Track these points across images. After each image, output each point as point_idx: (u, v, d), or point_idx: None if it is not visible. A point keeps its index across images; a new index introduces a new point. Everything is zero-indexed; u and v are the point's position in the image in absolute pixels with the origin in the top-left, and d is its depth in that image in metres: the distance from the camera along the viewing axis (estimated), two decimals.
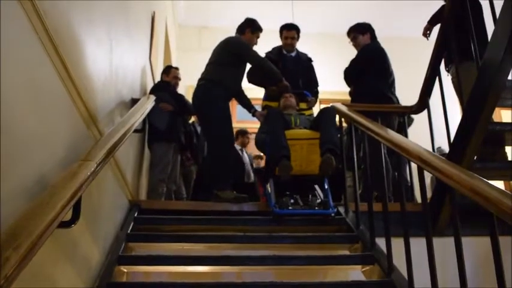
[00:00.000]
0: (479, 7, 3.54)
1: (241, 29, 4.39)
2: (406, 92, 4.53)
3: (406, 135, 3.77)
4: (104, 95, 2.71)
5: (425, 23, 4.27)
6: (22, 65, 1.48)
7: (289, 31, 4.71)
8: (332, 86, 6.05)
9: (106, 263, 2.50)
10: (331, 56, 7.40)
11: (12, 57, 1.39)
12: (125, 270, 2.62)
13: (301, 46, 6.05)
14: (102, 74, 2.65)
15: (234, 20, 7.59)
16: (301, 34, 6.70)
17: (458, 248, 1.92)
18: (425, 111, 3.79)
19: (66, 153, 1.87)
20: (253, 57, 4.18)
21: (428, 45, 3.80)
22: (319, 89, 4.84)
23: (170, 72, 4.84)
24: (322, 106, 7.72)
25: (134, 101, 3.61)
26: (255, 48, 4.33)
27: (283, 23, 6.79)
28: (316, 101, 4.56)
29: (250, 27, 4.34)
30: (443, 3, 3.95)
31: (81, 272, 2.10)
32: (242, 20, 7.65)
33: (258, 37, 4.36)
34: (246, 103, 4.29)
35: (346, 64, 4.51)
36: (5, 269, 0.94)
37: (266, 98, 4.43)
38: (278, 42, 4.88)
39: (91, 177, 1.62)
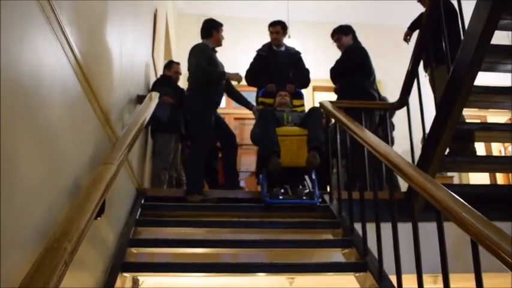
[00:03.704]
0: (456, 17, 3.87)
1: (206, 33, 4.56)
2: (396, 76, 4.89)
3: (386, 126, 4.13)
4: (115, 95, 3.05)
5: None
6: (58, 80, 1.84)
7: (275, 26, 4.97)
8: (326, 73, 6.36)
9: (119, 245, 2.88)
10: (326, 44, 7.66)
11: (50, 72, 1.74)
12: (135, 252, 3.01)
13: (296, 34, 6.35)
14: (114, 74, 2.98)
15: (231, 8, 7.90)
16: (296, 22, 7.00)
17: (415, 233, 2.29)
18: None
19: (91, 155, 2.25)
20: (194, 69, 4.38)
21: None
22: (315, 75, 5.18)
23: (172, 67, 5.18)
24: (318, 93, 8.14)
25: (140, 98, 3.93)
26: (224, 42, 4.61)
27: (279, 11, 7.13)
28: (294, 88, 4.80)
29: (215, 28, 4.54)
30: None
31: (101, 253, 2.49)
32: (239, 7, 7.95)
33: (222, 31, 4.58)
34: (242, 102, 4.65)
35: (340, 52, 4.87)
36: (64, 256, 1.31)
37: (262, 94, 4.77)
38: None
39: (113, 179, 1.98)
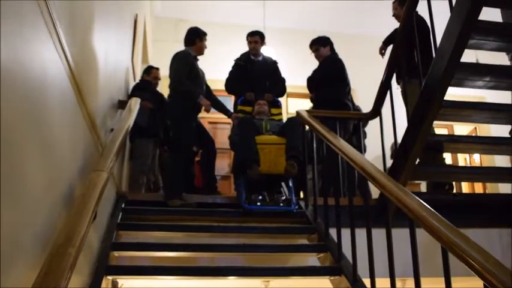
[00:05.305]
0: (428, 32, 4.06)
1: (190, 41, 4.65)
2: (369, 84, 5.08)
3: (360, 136, 4.31)
4: (100, 100, 3.12)
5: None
6: (58, 93, 1.92)
7: (253, 36, 5.11)
8: (302, 80, 6.49)
9: (102, 249, 2.94)
10: (300, 51, 7.77)
11: (52, 88, 1.83)
12: (117, 255, 3.08)
13: (271, 41, 6.46)
14: (100, 79, 3.05)
15: (210, 14, 7.96)
16: (273, 30, 7.13)
17: (389, 239, 2.44)
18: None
19: (81, 161, 2.33)
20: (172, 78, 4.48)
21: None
22: (288, 82, 5.27)
23: (151, 73, 5.26)
24: (292, 100, 8.29)
25: (121, 103, 4.00)
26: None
27: (255, 18, 7.26)
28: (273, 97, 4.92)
29: (198, 36, 4.64)
30: None
31: (86, 256, 2.55)
32: (218, 14, 8.03)
33: (206, 40, 4.69)
34: (221, 109, 4.77)
35: (316, 60, 5.05)
36: (70, 260, 1.40)
37: (241, 102, 4.88)
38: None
39: (105, 186, 2.07)
